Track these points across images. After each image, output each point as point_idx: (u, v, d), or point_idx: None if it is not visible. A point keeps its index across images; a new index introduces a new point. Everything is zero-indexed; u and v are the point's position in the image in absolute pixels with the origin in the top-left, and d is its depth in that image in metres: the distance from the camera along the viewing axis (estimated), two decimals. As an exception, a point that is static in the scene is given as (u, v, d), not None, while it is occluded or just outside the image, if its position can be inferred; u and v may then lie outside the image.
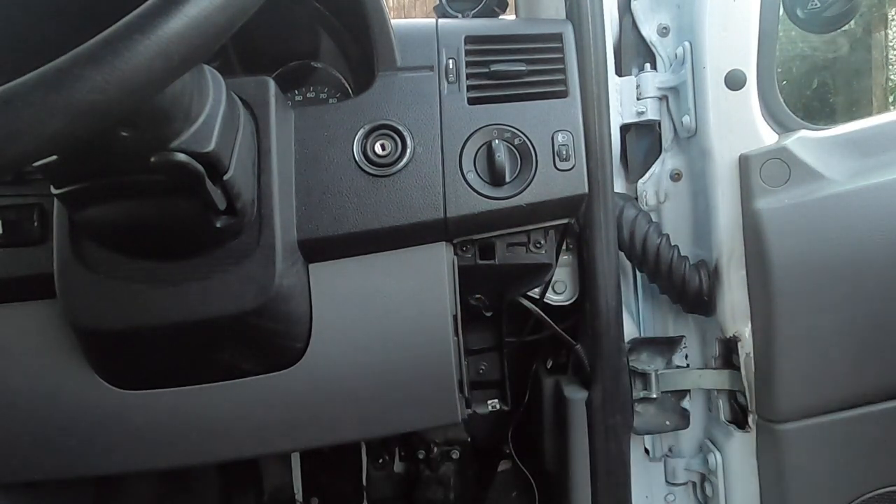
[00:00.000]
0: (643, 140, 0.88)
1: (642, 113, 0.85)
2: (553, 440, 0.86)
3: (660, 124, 0.86)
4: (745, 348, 0.78)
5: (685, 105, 0.81)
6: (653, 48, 0.86)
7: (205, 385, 0.65)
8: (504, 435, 1.01)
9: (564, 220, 0.73)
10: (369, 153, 0.67)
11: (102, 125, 0.36)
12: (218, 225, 0.58)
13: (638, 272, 0.86)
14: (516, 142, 0.69)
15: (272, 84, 0.64)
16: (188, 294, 0.60)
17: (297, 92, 0.82)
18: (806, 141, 0.76)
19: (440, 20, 0.75)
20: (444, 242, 0.69)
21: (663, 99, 0.85)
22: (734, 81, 0.78)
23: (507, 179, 0.68)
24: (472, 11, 0.85)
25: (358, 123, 0.68)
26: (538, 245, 0.73)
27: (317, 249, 0.66)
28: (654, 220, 0.83)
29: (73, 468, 0.66)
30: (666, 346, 0.83)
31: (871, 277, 0.73)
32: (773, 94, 0.79)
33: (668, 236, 0.81)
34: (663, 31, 0.85)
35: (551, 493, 0.89)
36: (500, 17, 0.87)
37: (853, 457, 0.76)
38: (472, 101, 0.70)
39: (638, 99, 0.85)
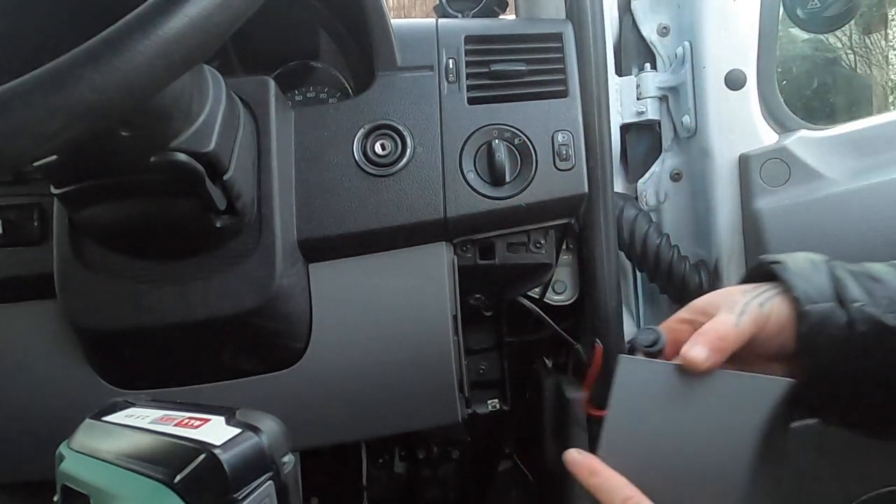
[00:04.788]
0: (643, 140, 0.88)
1: (642, 113, 0.85)
2: (553, 440, 0.86)
3: (660, 124, 0.86)
4: (745, 348, 0.78)
5: (685, 105, 0.81)
6: (653, 48, 0.86)
7: (205, 385, 0.65)
8: (504, 435, 1.01)
9: (564, 220, 0.73)
10: (369, 153, 0.67)
11: (102, 125, 0.36)
12: (218, 225, 0.58)
13: (638, 272, 0.86)
14: (516, 142, 0.69)
15: (272, 84, 0.64)
16: (188, 294, 0.60)
17: (297, 92, 0.82)
18: (806, 141, 0.76)
19: (440, 20, 0.75)
20: (444, 242, 0.69)
21: (663, 99, 0.85)
22: (734, 81, 0.78)
23: (507, 179, 0.68)
24: (472, 11, 0.85)
25: (358, 123, 0.68)
26: (538, 245, 0.73)
27: (317, 249, 0.66)
28: (654, 220, 0.83)
29: None
30: (666, 345, 0.83)
31: (871, 277, 0.73)
32: (773, 94, 0.79)
33: (668, 236, 0.81)
34: (663, 31, 0.85)
35: (551, 493, 0.89)
36: (500, 17, 0.87)
37: (853, 457, 0.76)
38: (472, 101, 0.70)
39: (638, 99, 0.85)
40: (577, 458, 0.51)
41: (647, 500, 0.48)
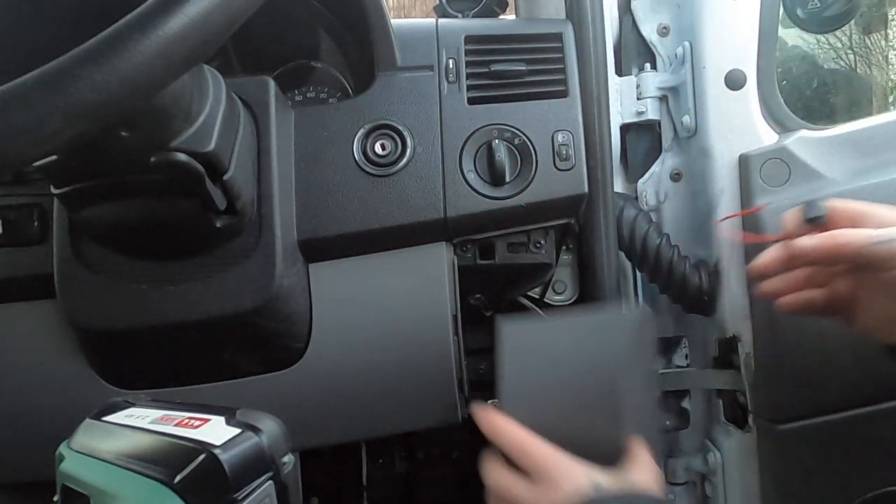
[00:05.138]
0: (643, 140, 0.88)
1: (642, 113, 0.85)
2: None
3: (660, 124, 0.86)
4: (745, 348, 0.78)
5: (685, 105, 0.81)
6: (653, 48, 0.86)
7: (204, 385, 0.65)
8: (504, 435, 1.01)
9: (564, 220, 0.73)
10: (369, 153, 0.67)
11: (102, 125, 0.36)
12: (218, 225, 0.58)
13: (638, 272, 0.86)
14: (516, 142, 0.69)
15: (272, 84, 0.64)
16: (188, 294, 0.60)
17: (297, 92, 0.82)
18: (806, 141, 0.76)
19: (440, 20, 0.74)
20: (443, 242, 0.69)
21: (663, 99, 0.85)
22: (734, 81, 0.78)
23: (507, 179, 0.68)
24: (472, 11, 0.85)
25: (358, 123, 0.68)
26: (538, 245, 0.73)
27: (317, 249, 0.66)
28: (654, 220, 0.83)
29: None
30: (666, 346, 0.83)
31: (871, 277, 0.73)
32: (773, 94, 0.79)
33: (668, 236, 0.81)
34: (663, 31, 0.85)
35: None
36: (500, 17, 0.87)
37: (853, 457, 0.76)
38: (472, 101, 0.70)
39: (638, 99, 0.85)
40: (479, 415, 0.60)
41: (535, 441, 0.57)
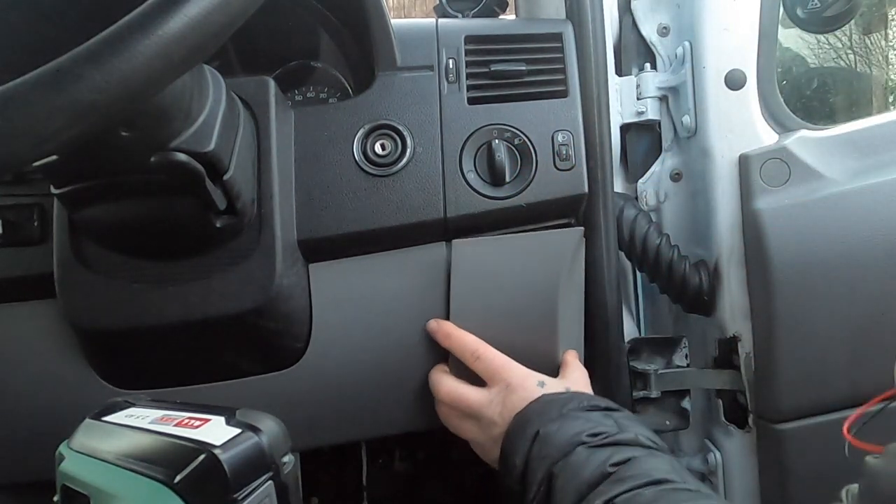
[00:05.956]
0: (643, 140, 0.88)
1: (642, 113, 0.85)
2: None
3: (660, 124, 0.86)
4: (745, 348, 0.78)
5: (685, 105, 0.81)
6: (653, 48, 0.86)
7: (205, 385, 0.65)
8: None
9: (564, 220, 0.73)
10: (369, 153, 0.67)
11: (102, 125, 0.36)
12: (218, 225, 0.58)
13: (638, 272, 0.86)
14: (516, 142, 0.69)
15: (272, 84, 0.64)
16: (188, 294, 0.60)
17: (297, 92, 0.82)
18: (806, 141, 0.76)
19: (440, 20, 0.75)
20: (443, 242, 0.69)
21: (663, 99, 0.85)
22: (734, 81, 0.78)
23: (507, 179, 0.68)
24: (472, 11, 0.85)
25: (358, 123, 0.68)
26: (538, 245, 0.73)
27: (317, 249, 0.66)
28: (654, 220, 0.83)
29: None
30: (666, 346, 0.83)
31: (871, 277, 0.73)
32: (773, 94, 0.79)
33: (668, 236, 0.81)
34: (663, 31, 0.85)
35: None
36: (500, 17, 0.87)
37: (855, 457, 0.76)
38: (472, 101, 0.70)
39: (638, 99, 0.85)
40: (434, 326, 0.66)
41: (490, 348, 0.63)
